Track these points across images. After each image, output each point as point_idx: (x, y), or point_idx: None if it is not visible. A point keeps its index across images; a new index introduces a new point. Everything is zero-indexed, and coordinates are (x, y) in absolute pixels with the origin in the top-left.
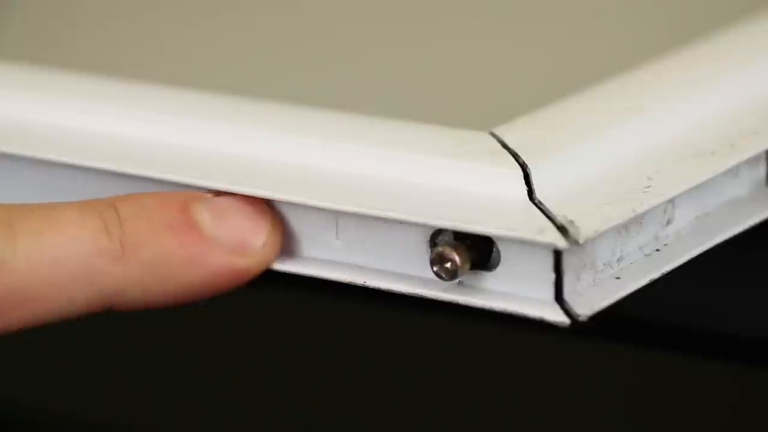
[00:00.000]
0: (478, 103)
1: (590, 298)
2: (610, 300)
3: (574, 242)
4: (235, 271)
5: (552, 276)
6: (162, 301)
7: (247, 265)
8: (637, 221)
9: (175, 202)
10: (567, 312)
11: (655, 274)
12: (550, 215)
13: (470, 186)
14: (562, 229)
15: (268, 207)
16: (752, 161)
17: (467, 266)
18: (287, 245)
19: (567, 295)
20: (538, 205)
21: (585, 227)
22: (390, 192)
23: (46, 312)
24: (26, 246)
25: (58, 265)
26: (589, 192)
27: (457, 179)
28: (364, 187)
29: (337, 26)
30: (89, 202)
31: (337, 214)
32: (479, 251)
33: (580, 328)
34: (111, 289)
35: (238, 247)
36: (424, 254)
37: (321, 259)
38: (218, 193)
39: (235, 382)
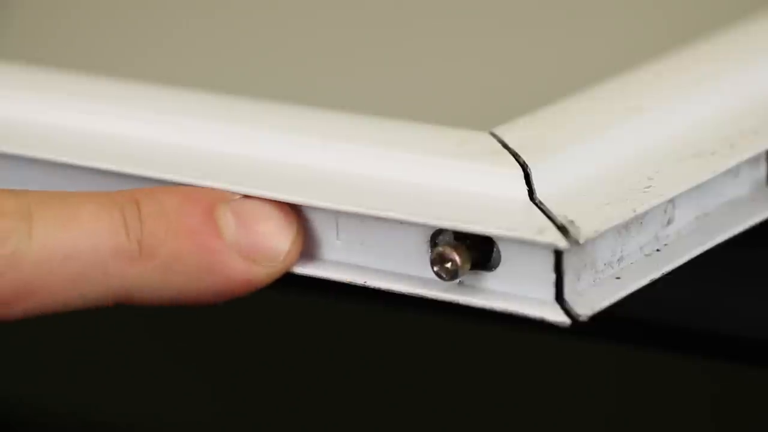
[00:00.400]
0: (478, 103)
1: (590, 298)
2: (611, 300)
3: (574, 242)
4: (253, 279)
5: (552, 276)
6: (175, 303)
7: (267, 275)
8: (637, 221)
9: (200, 204)
10: (567, 312)
11: (655, 274)
12: (550, 215)
13: (470, 186)
14: (562, 229)
15: (293, 212)
16: (752, 161)
17: (467, 266)
18: None
19: (567, 295)
20: (539, 205)
21: (585, 227)
22: (390, 192)
23: (52, 305)
24: (41, 237)
25: (71, 260)
26: (590, 192)
27: (457, 179)
28: (364, 187)
29: (337, 26)
30: (111, 194)
31: (337, 214)
32: (479, 251)
33: (580, 328)
34: (123, 287)
35: (260, 256)
36: (424, 254)
37: (321, 259)
38: (245, 195)
39: (234, 382)
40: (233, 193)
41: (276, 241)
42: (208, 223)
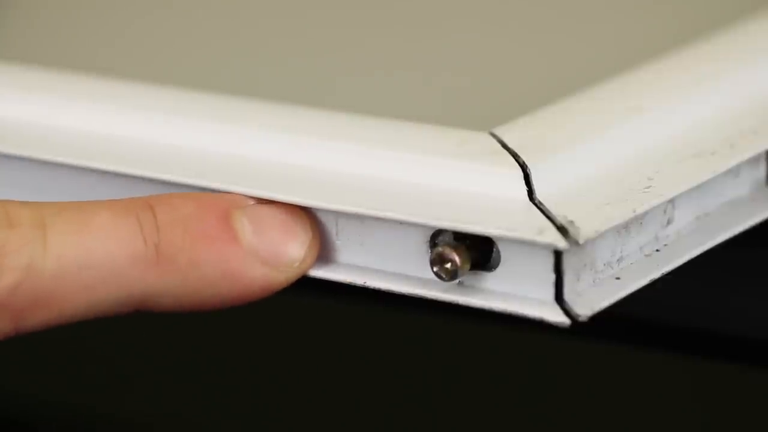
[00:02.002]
0: (478, 103)
1: (590, 298)
2: (610, 300)
3: (574, 242)
4: (271, 284)
5: (552, 276)
6: (193, 309)
7: (284, 279)
8: (637, 221)
9: (216, 210)
10: (567, 312)
11: (655, 274)
12: (550, 215)
13: (470, 186)
14: (562, 230)
15: (308, 217)
16: (752, 161)
17: (467, 266)
18: None
19: (567, 295)
20: (538, 206)
21: (585, 227)
22: (390, 192)
23: (72, 313)
24: (56, 247)
25: (87, 269)
26: (589, 192)
27: (457, 179)
28: (364, 187)
29: (337, 26)
30: (124, 202)
31: (337, 214)
32: (479, 251)
33: (580, 328)
34: (142, 294)
35: (276, 261)
36: (424, 254)
37: (320, 259)
38: (260, 200)
39: (233, 381)
40: (247, 198)
41: (292, 246)
42: (226, 230)
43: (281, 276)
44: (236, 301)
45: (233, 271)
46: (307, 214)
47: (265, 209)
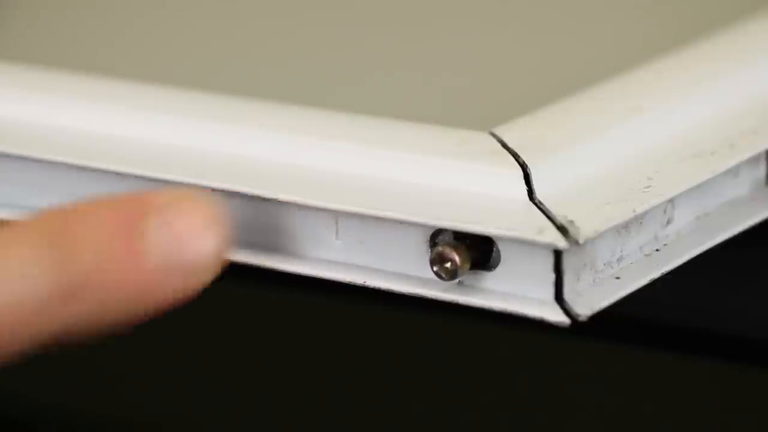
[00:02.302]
0: (478, 103)
1: (590, 298)
2: (610, 300)
3: (574, 242)
4: (190, 289)
5: (552, 276)
6: (116, 330)
7: (203, 280)
8: (637, 221)
9: (121, 227)
10: (567, 312)
11: (655, 274)
12: (550, 215)
13: (470, 186)
14: (562, 229)
15: (215, 208)
16: (752, 161)
17: (467, 266)
18: (288, 245)
19: (567, 295)
20: (538, 205)
21: (585, 227)
22: (390, 192)
23: None
24: None
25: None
26: (589, 192)
27: (457, 179)
28: (364, 187)
29: (337, 26)
30: (42, 226)
31: (337, 214)
32: (479, 251)
33: (579, 328)
34: (59, 329)
35: (191, 268)
36: (424, 254)
37: (321, 259)
38: (172, 198)
39: (233, 381)
40: (156, 195)
41: (203, 248)
42: (132, 249)
43: (198, 280)
44: (161, 312)
45: (150, 290)
46: (216, 201)
47: (170, 212)
